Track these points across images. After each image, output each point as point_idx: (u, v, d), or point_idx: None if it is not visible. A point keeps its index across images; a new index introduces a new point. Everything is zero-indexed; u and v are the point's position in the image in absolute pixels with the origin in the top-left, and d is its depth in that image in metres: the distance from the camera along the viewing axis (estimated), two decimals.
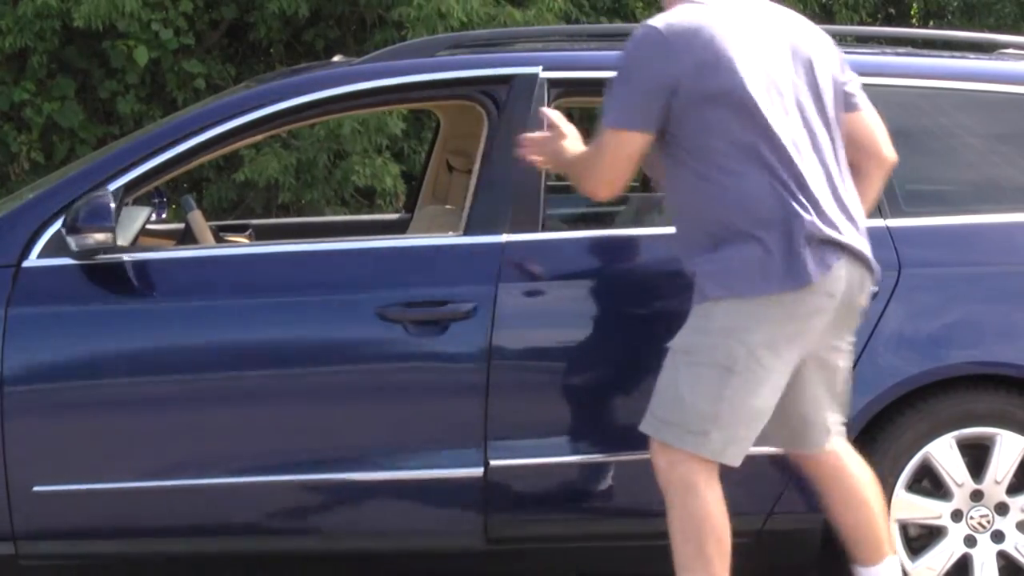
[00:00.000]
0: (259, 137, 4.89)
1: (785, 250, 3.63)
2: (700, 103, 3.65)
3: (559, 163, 3.93)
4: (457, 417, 4.16)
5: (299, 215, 9.13)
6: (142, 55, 9.03)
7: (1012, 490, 4.32)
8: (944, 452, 4.27)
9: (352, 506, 4.20)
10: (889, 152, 3.96)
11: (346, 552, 4.23)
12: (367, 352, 4.19)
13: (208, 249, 4.65)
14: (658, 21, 3.71)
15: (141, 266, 4.17)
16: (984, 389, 4.28)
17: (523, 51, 4.76)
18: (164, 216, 5.50)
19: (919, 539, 4.32)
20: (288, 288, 4.18)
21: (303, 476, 4.15)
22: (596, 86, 4.57)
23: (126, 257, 4.14)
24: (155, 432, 4.13)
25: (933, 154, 4.42)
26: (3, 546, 4.10)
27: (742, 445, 3.74)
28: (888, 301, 4.22)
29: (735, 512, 4.25)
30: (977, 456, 4.29)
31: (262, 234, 5.64)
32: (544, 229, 4.26)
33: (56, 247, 4.11)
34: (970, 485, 4.30)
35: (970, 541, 4.32)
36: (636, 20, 9.68)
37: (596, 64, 4.52)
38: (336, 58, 5.46)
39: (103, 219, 4.00)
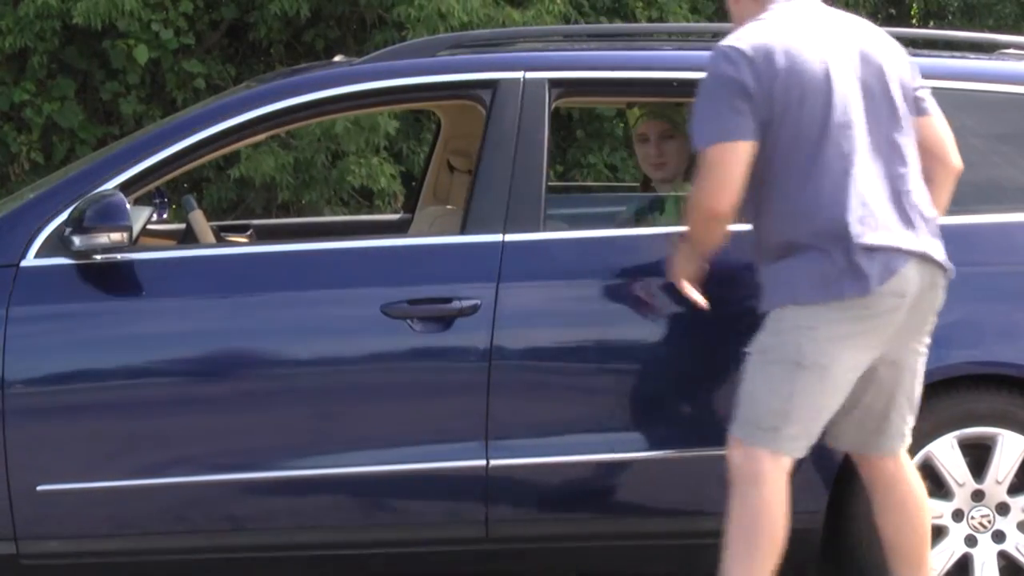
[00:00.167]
0: (259, 137, 4.89)
1: (848, 259, 3.70)
2: (771, 115, 3.72)
3: (689, 252, 3.95)
4: (460, 413, 4.16)
5: (299, 216, 9.13)
6: (142, 54, 9.03)
7: (1013, 490, 4.32)
8: (945, 452, 4.27)
9: (355, 501, 4.20)
10: (956, 159, 4.00)
11: (349, 545, 4.23)
12: (372, 349, 4.19)
13: (209, 249, 4.64)
14: (732, 39, 3.78)
15: (142, 266, 4.17)
16: (985, 389, 4.28)
17: (523, 51, 4.76)
18: (165, 216, 5.51)
19: None
20: (289, 287, 4.18)
21: (307, 472, 4.15)
22: (591, 86, 4.60)
23: (127, 257, 4.13)
24: (158, 430, 4.14)
25: None
26: (4, 546, 4.10)
27: (808, 439, 3.84)
28: None
29: None
30: (978, 456, 4.30)
31: (263, 234, 5.65)
32: (545, 229, 4.27)
33: (54, 246, 4.11)
34: (971, 485, 4.30)
35: (971, 541, 4.32)
36: (636, 20, 9.71)
37: (589, 64, 4.53)
38: (337, 58, 5.46)
39: (119, 218, 4.00)
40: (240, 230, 5.59)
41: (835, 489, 4.27)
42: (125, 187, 4.18)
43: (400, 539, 4.25)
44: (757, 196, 3.80)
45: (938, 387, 4.26)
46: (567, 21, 9.44)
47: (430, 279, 4.18)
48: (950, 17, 12.09)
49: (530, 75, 4.34)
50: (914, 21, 12.05)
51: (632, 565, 4.40)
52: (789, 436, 3.79)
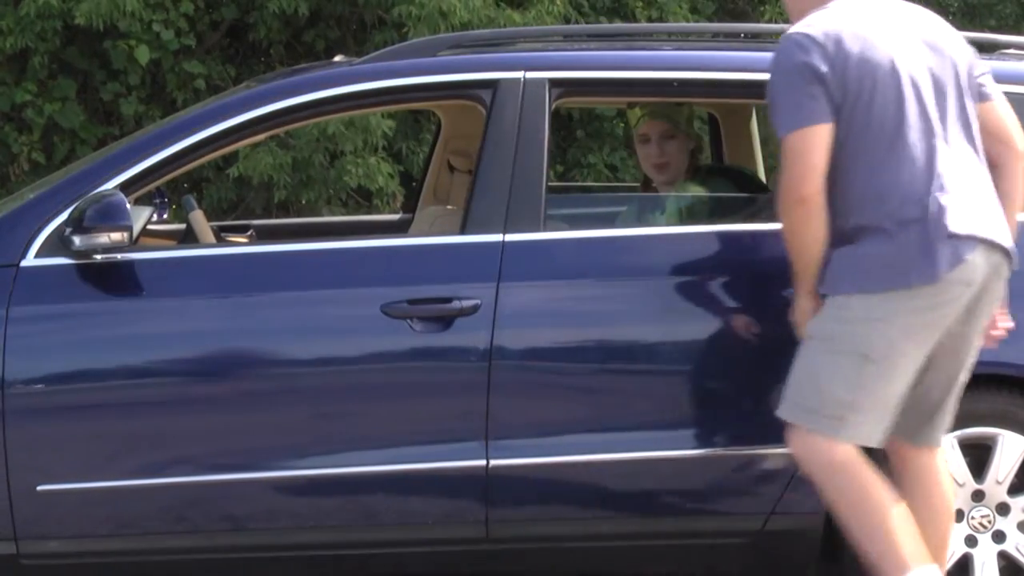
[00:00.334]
0: (259, 137, 4.89)
1: (917, 246, 3.71)
2: (844, 99, 3.73)
3: (800, 284, 3.92)
4: (460, 413, 4.16)
5: (299, 216, 9.14)
6: (143, 54, 9.04)
7: (1013, 490, 4.32)
8: (945, 452, 4.26)
9: (355, 501, 4.20)
10: (1021, 143, 4.00)
11: (349, 545, 4.23)
12: (372, 349, 4.19)
13: (210, 249, 4.64)
14: (800, 27, 3.80)
15: (142, 266, 4.17)
16: (985, 389, 4.27)
17: (523, 51, 4.76)
18: (165, 216, 5.51)
19: None
20: (290, 287, 4.18)
21: (307, 472, 4.15)
22: (591, 86, 4.60)
23: (127, 256, 4.13)
24: (158, 430, 4.13)
25: None
26: (4, 546, 4.10)
27: (878, 427, 3.80)
28: None
29: (735, 512, 4.27)
30: (978, 456, 4.30)
31: (263, 234, 5.65)
32: (545, 229, 4.27)
33: (54, 246, 4.11)
34: (971, 485, 4.30)
35: (971, 541, 4.32)
36: (636, 20, 9.71)
37: (589, 64, 4.54)
38: (337, 58, 5.46)
39: (119, 218, 4.01)
40: (240, 230, 5.59)
41: None
42: (125, 187, 4.18)
43: (400, 539, 4.25)
44: (828, 180, 3.79)
45: None
46: (567, 21, 9.44)
47: (430, 279, 4.18)
48: (951, 17, 12.08)
49: (530, 75, 4.34)
50: None
51: (632, 565, 4.40)
52: (855, 424, 3.76)
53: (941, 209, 3.72)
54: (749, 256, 4.28)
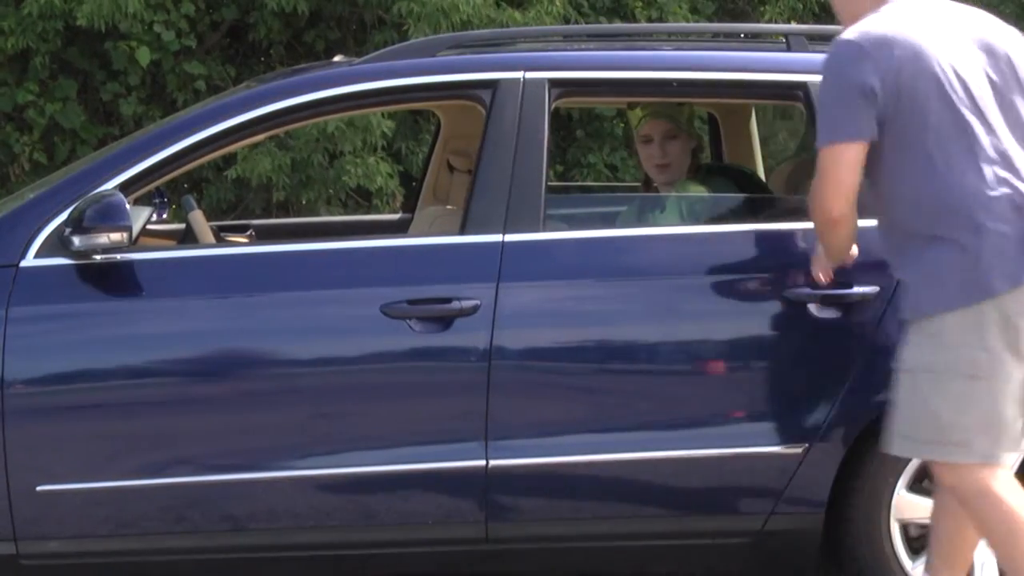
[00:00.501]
0: (259, 137, 4.89)
1: (995, 252, 3.62)
2: (899, 108, 3.67)
3: (830, 253, 3.97)
4: (459, 413, 4.16)
5: (298, 216, 9.14)
6: (144, 56, 9.05)
7: None
8: None
9: (355, 501, 4.20)
10: None
11: (349, 545, 4.23)
12: (372, 349, 4.19)
13: (209, 249, 4.65)
14: (851, 33, 3.73)
15: (142, 266, 4.17)
16: None
17: (523, 51, 4.76)
18: (165, 216, 5.51)
19: (920, 539, 4.32)
20: (289, 287, 4.19)
21: (307, 472, 4.15)
22: (591, 86, 4.60)
23: (127, 257, 4.13)
24: (157, 430, 4.14)
25: None
26: (4, 546, 4.10)
27: (1008, 442, 3.70)
28: (889, 301, 4.22)
29: (735, 512, 4.28)
30: None
31: (263, 234, 5.65)
32: (545, 229, 4.27)
33: (54, 247, 4.11)
34: None
35: None
36: (636, 20, 9.71)
37: (589, 64, 4.54)
38: (337, 58, 5.46)
39: (119, 218, 4.01)
40: (240, 230, 5.60)
41: (835, 489, 4.27)
42: (125, 187, 4.18)
43: (400, 539, 4.25)
44: (886, 188, 3.75)
45: None
46: (567, 22, 9.44)
47: (430, 279, 4.19)
48: None
49: (530, 75, 4.34)
50: None
51: (632, 565, 4.40)
52: (985, 444, 3.66)
53: (1009, 212, 3.63)
54: (749, 256, 4.29)
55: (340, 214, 9.11)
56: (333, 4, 9.45)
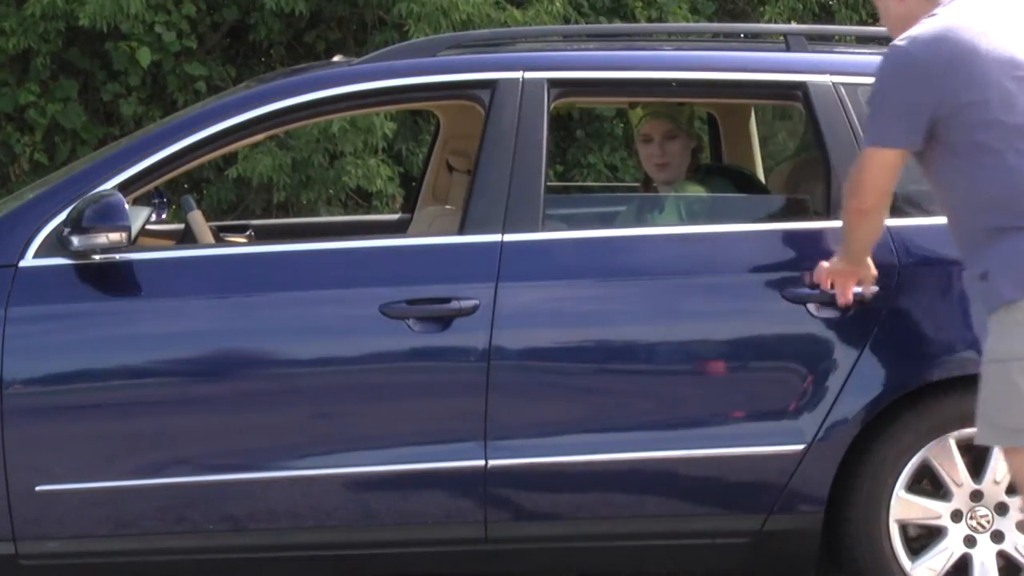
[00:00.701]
0: (259, 137, 4.89)
1: None
2: (961, 107, 3.67)
3: (848, 258, 4.05)
4: (459, 413, 4.16)
5: (298, 216, 9.13)
6: (145, 56, 9.04)
7: (1012, 490, 4.31)
8: (944, 452, 4.27)
9: (355, 501, 4.20)
10: None
11: (349, 545, 4.23)
12: (371, 349, 4.19)
13: (208, 249, 4.64)
14: (905, 39, 3.73)
15: (141, 266, 4.17)
16: None
17: (522, 51, 4.76)
18: (164, 216, 5.51)
19: (919, 539, 4.33)
20: (289, 287, 4.19)
21: (307, 472, 4.15)
22: (590, 86, 4.60)
23: (125, 257, 4.13)
24: (157, 431, 4.14)
25: None
26: (3, 546, 4.10)
27: None
28: (888, 300, 4.22)
29: (734, 512, 4.28)
30: (977, 456, 4.29)
31: (262, 234, 5.65)
32: (544, 229, 4.27)
33: (53, 247, 4.11)
34: (970, 485, 4.30)
35: (970, 541, 4.32)
36: (635, 20, 9.71)
37: (588, 64, 4.54)
38: (336, 58, 5.46)
39: (118, 218, 4.01)
40: (239, 230, 5.59)
41: (834, 489, 4.27)
42: (124, 187, 4.19)
43: (399, 539, 4.25)
44: (955, 187, 3.76)
45: (936, 388, 4.26)
46: (566, 21, 9.44)
47: (429, 279, 4.19)
48: None
49: (529, 75, 4.35)
50: None
51: (632, 565, 4.40)
52: None
53: None
54: (748, 256, 4.29)
55: (340, 214, 9.10)
56: (334, 5, 9.44)
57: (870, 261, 4.08)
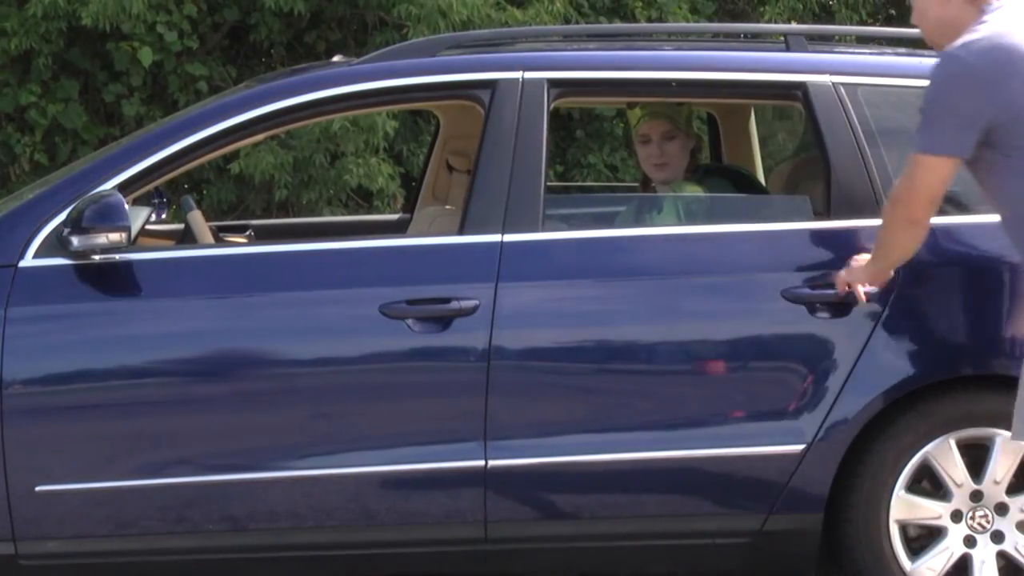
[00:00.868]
0: (259, 137, 4.89)
1: None
2: (1017, 114, 3.68)
3: (882, 266, 4.05)
4: (458, 413, 4.16)
5: (298, 216, 9.14)
6: (147, 56, 9.05)
7: (1012, 490, 4.32)
8: (944, 453, 4.27)
9: (355, 501, 4.20)
10: None
11: (349, 545, 4.23)
12: (371, 349, 4.19)
13: (208, 249, 4.64)
14: (959, 47, 3.72)
15: (141, 266, 4.18)
16: (983, 389, 4.28)
17: (522, 51, 4.76)
18: (164, 216, 5.51)
19: (919, 539, 4.33)
20: (288, 287, 4.19)
21: (307, 472, 4.15)
22: (590, 86, 4.60)
23: (125, 257, 4.13)
24: (157, 431, 4.14)
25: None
26: (3, 546, 4.10)
27: None
28: (888, 301, 4.22)
29: (734, 512, 4.28)
30: (977, 456, 4.30)
31: (262, 235, 5.65)
32: (544, 229, 4.27)
33: (52, 247, 4.11)
34: (970, 485, 4.30)
35: (970, 541, 4.32)
36: (635, 20, 9.71)
37: (588, 64, 4.54)
38: (336, 58, 5.46)
39: (117, 218, 4.01)
40: (239, 230, 5.60)
41: (834, 489, 4.27)
42: (124, 187, 4.19)
43: (399, 539, 4.25)
44: (1009, 189, 3.77)
45: (936, 388, 4.26)
46: (567, 21, 9.44)
47: (429, 279, 4.19)
48: None
49: (528, 75, 4.35)
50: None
51: (632, 565, 4.40)
52: None
53: None
54: (747, 256, 4.29)
55: (341, 214, 9.10)
56: (334, 5, 9.45)
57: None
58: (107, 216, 4.01)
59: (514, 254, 4.19)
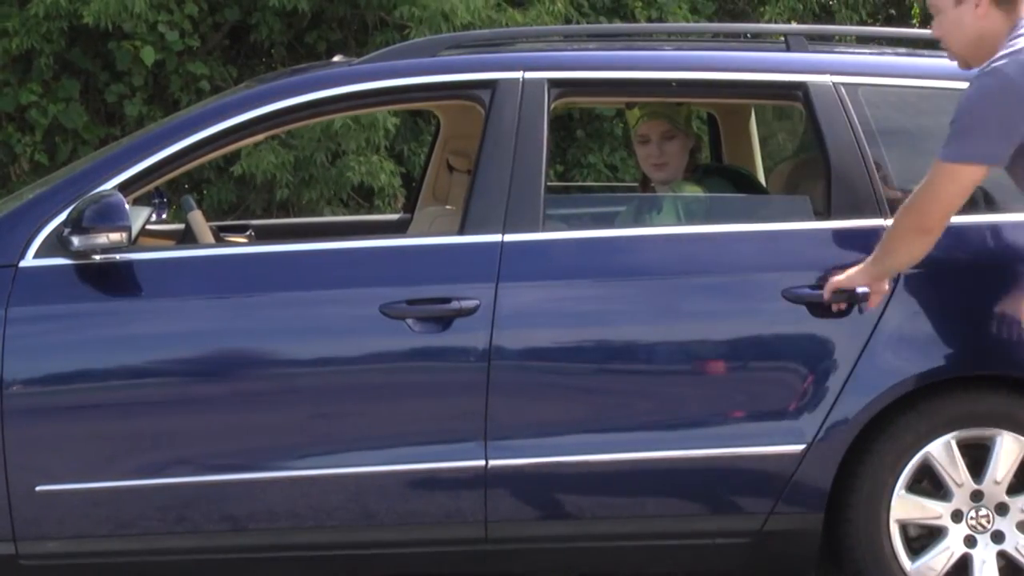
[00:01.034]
0: (259, 137, 4.90)
1: None
2: None
3: (882, 272, 4.06)
4: (459, 413, 4.16)
5: (299, 215, 9.14)
6: (149, 55, 9.05)
7: (1012, 490, 4.32)
8: (944, 452, 4.27)
9: (355, 501, 4.20)
10: None
11: (349, 545, 4.23)
12: (371, 349, 4.19)
13: (208, 249, 4.64)
14: (1005, 62, 3.73)
15: (141, 266, 4.18)
16: (984, 389, 4.28)
17: (522, 51, 4.76)
18: (164, 216, 5.51)
19: (919, 539, 4.33)
20: (289, 287, 4.19)
21: (307, 472, 4.15)
22: (590, 86, 4.60)
23: (126, 257, 4.14)
24: (157, 431, 4.14)
25: (933, 154, 4.44)
26: (3, 546, 4.10)
27: None
28: (888, 301, 4.22)
29: (734, 512, 4.28)
30: (977, 456, 4.30)
31: (262, 234, 5.65)
32: (544, 229, 4.27)
33: (53, 247, 4.11)
34: (970, 485, 4.30)
35: (970, 541, 4.32)
36: (636, 20, 9.71)
37: (588, 64, 4.54)
38: (336, 58, 5.46)
39: (118, 218, 4.01)
40: (239, 230, 5.60)
41: (834, 489, 4.27)
42: (124, 187, 4.19)
43: (399, 539, 4.25)
44: None
45: (937, 387, 4.26)
46: (567, 22, 9.45)
47: (429, 279, 4.19)
48: None
49: (529, 75, 4.35)
50: (914, 21, 12.05)
51: (632, 565, 4.40)
52: None
53: None
54: (746, 256, 4.29)
55: (341, 214, 9.11)
56: (335, 5, 9.45)
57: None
58: (107, 216, 4.01)
59: (514, 254, 4.19)
